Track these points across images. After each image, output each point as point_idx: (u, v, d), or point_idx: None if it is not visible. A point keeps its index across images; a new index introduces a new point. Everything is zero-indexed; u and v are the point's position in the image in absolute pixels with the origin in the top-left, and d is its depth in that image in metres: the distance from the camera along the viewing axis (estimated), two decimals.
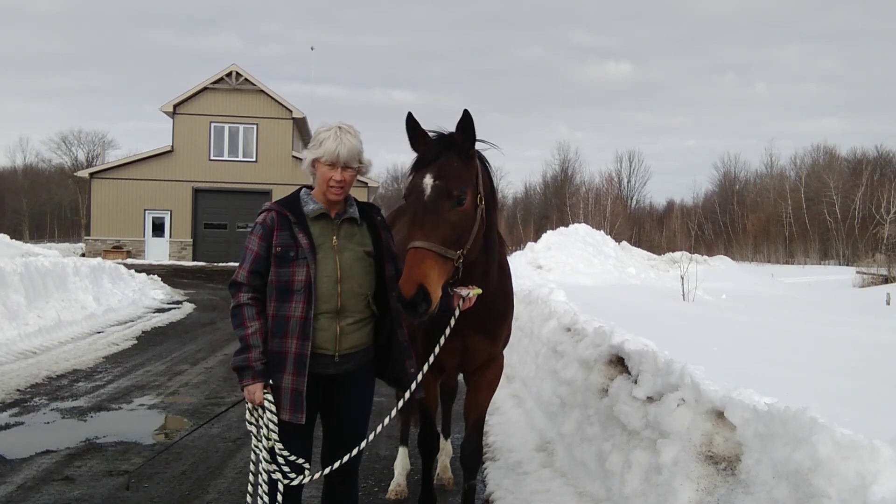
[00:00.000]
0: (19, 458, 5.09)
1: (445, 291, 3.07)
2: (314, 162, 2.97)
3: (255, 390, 2.88)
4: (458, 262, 2.98)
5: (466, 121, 3.07)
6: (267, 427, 2.90)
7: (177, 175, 34.13)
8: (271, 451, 2.92)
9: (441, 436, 4.84)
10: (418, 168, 3.08)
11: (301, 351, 2.88)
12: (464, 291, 3.13)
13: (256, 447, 2.95)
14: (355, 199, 3.13)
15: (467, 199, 3.04)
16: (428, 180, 2.99)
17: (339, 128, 2.97)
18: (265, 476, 2.95)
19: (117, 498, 4.40)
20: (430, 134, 3.16)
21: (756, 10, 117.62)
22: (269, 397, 2.90)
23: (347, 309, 2.95)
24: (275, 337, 2.92)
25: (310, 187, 3.09)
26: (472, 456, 3.86)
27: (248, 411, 2.96)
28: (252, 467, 3.10)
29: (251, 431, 2.96)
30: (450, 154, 3.06)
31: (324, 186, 2.96)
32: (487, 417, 5.17)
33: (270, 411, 2.89)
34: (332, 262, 2.93)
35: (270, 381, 2.91)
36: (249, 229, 3.08)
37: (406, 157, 3.26)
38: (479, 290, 3.17)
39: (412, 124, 3.15)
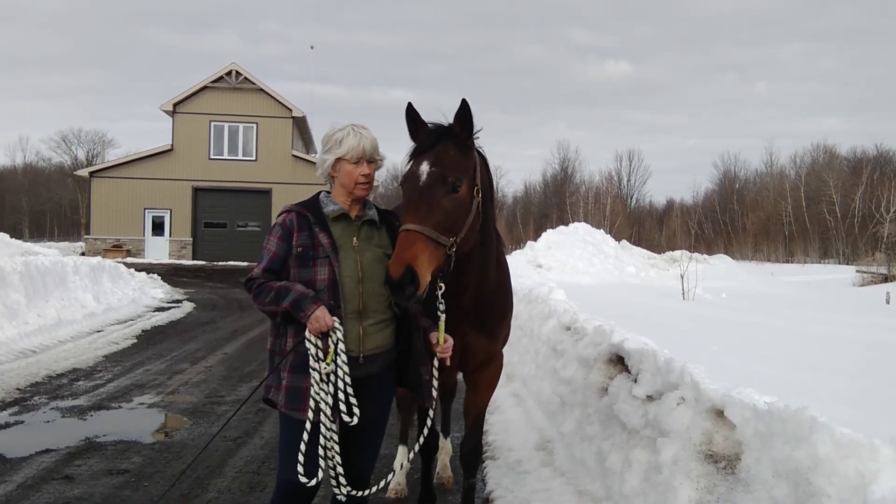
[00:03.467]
0: (19, 456, 5.08)
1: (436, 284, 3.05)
2: (336, 163, 2.95)
3: (323, 314, 2.73)
4: (450, 250, 2.96)
5: (464, 110, 3.06)
6: (336, 349, 2.76)
7: (176, 174, 34.10)
8: (329, 377, 2.78)
9: (441, 434, 4.84)
10: (415, 156, 3.08)
11: None
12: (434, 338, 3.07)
13: (314, 368, 2.78)
14: (374, 204, 3.13)
15: (463, 187, 3.02)
16: (424, 167, 2.98)
17: (353, 126, 2.97)
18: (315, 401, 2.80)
19: (117, 497, 4.40)
20: (430, 125, 3.16)
21: (756, 10, 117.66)
22: (337, 319, 2.78)
23: (369, 309, 2.93)
24: (299, 338, 2.86)
25: (328, 192, 3.07)
26: (472, 454, 3.85)
27: (306, 341, 2.79)
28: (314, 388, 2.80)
29: (310, 352, 2.78)
30: (447, 143, 3.06)
31: (350, 185, 2.94)
32: (487, 416, 5.16)
33: (340, 332, 2.77)
34: (353, 263, 2.91)
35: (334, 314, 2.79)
36: (268, 230, 3.03)
37: (406, 155, 3.25)
38: (450, 339, 3.09)
39: (412, 115, 3.15)
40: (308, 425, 2.81)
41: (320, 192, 3.07)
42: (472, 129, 3.14)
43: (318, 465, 2.84)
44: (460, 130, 3.10)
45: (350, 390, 2.81)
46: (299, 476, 2.79)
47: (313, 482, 2.82)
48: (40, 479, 4.65)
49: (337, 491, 2.93)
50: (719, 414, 3.38)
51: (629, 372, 4.46)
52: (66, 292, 11.97)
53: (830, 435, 2.61)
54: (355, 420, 2.82)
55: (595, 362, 5.01)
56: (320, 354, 2.80)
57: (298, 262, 2.88)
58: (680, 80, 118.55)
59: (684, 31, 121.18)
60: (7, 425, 5.91)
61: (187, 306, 15.40)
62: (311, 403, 2.80)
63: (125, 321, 12.46)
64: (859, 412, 5.35)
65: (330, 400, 2.80)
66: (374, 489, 3.07)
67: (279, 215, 2.99)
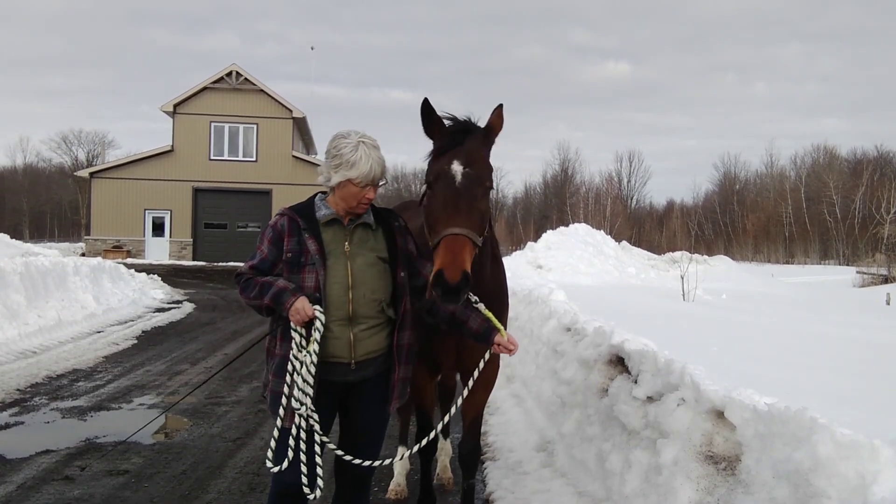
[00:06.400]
0: (19, 457, 5.08)
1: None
2: (345, 182, 2.88)
3: (302, 304, 2.74)
4: (475, 249, 3.01)
5: (500, 117, 3.17)
6: (312, 338, 2.77)
7: (177, 175, 34.14)
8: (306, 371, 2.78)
9: (440, 435, 4.83)
10: (445, 153, 3.05)
11: None
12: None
13: (295, 357, 2.79)
14: (372, 205, 3.07)
15: (490, 188, 3.11)
16: (459, 167, 2.98)
17: (363, 142, 2.88)
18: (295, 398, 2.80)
19: (117, 497, 4.40)
20: (445, 121, 3.16)
21: (756, 10, 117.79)
22: (319, 307, 2.78)
23: (360, 315, 2.90)
24: (284, 341, 2.87)
25: (323, 193, 3.04)
26: (470, 455, 3.85)
27: (292, 331, 2.80)
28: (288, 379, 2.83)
29: (294, 340, 2.79)
30: (476, 143, 3.09)
31: (353, 202, 2.91)
32: (487, 417, 5.17)
33: (321, 321, 2.77)
34: (343, 269, 2.88)
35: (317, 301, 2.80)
36: (260, 230, 3.08)
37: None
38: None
39: (428, 110, 3.14)
40: (294, 430, 2.82)
41: (316, 195, 3.04)
42: (497, 134, 3.22)
43: (301, 464, 2.85)
44: (488, 133, 3.16)
45: (310, 380, 2.79)
46: (282, 469, 2.82)
47: (302, 479, 2.83)
48: (40, 480, 4.64)
49: (307, 490, 2.87)
50: (719, 415, 3.38)
51: (629, 373, 4.45)
52: (67, 293, 11.96)
53: (831, 436, 2.61)
54: (303, 409, 2.80)
55: (595, 363, 5.01)
56: (303, 343, 2.80)
57: (289, 267, 2.88)
58: (680, 81, 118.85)
59: (684, 32, 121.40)
60: (7, 426, 5.91)
61: (187, 307, 15.41)
62: (294, 400, 2.80)
63: (125, 322, 12.47)
64: (860, 413, 5.35)
65: (303, 392, 2.80)
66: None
67: (273, 218, 3.00)
